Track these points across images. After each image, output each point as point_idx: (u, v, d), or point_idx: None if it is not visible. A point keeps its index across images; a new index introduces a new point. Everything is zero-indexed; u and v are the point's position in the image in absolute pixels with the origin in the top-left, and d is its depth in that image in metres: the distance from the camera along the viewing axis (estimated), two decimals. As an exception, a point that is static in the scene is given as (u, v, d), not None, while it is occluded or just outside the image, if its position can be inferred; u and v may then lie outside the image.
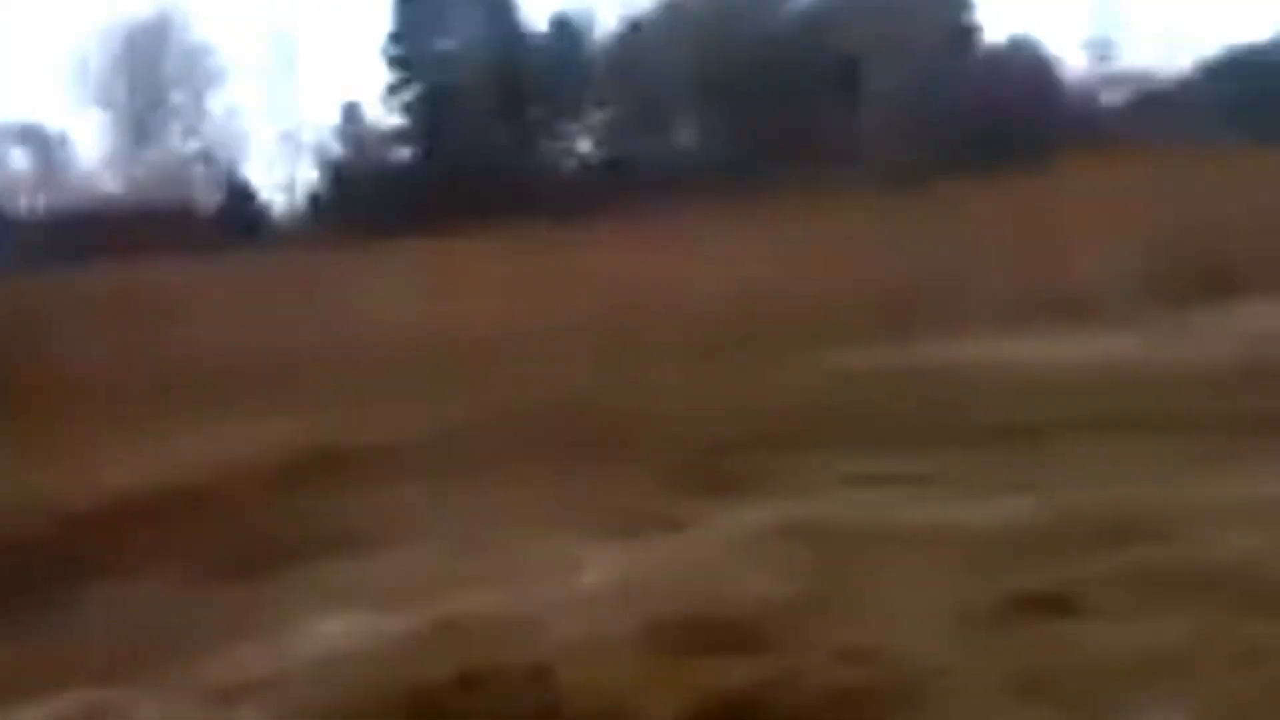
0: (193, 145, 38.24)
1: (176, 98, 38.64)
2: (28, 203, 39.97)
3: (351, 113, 41.11)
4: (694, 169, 39.39)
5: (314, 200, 40.73)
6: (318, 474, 11.28)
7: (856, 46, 42.69)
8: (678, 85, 40.85)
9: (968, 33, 45.74)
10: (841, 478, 9.86)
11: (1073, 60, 48.21)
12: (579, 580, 7.48)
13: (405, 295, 23.15)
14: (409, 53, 41.00)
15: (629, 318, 19.37)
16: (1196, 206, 19.81)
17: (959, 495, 8.96)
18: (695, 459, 10.75)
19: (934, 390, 13.00)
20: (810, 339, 16.26)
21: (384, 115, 41.04)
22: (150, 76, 38.74)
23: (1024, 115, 43.32)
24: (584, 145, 42.16)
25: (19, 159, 40.32)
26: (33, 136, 39.88)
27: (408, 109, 40.63)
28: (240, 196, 38.80)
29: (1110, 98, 45.74)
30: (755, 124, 39.84)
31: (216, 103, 39.15)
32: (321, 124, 41.88)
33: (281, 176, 40.34)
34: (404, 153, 40.16)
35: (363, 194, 37.65)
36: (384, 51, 41.06)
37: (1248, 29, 64.41)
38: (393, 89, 40.78)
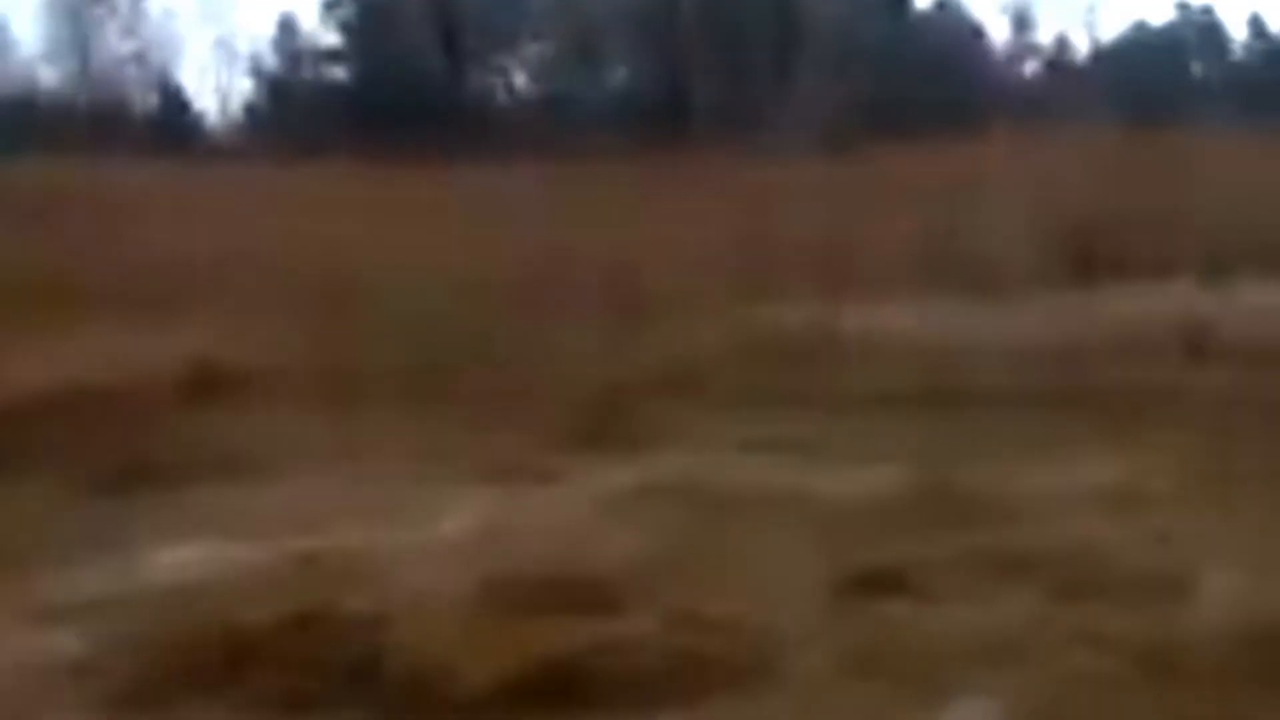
0: (128, 45, 37.50)
1: (113, -6, 37.82)
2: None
3: (287, 25, 40.46)
4: (626, 110, 39.15)
5: (247, 111, 40.16)
6: (210, 392, 11.08)
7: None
8: (614, 24, 40.50)
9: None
10: (727, 439, 9.80)
11: (994, 28, 48.23)
12: (440, 526, 7.39)
13: (328, 217, 22.79)
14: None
15: (545, 263, 19.11)
16: (1095, 185, 19.82)
17: (833, 463, 8.93)
18: (586, 413, 10.59)
19: (832, 354, 12.91)
20: (722, 297, 16.11)
21: (320, 31, 40.44)
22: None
23: (951, 81, 43.38)
24: (518, 79, 41.75)
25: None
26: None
27: (344, 27, 40.03)
28: (174, 101, 38.17)
29: (1028, 68, 45.90)
30: (690, 68, 39.58)
31: (154, 3, 38.39)
32: (257, 34, 41.30)
33: (214, 84, 39.74)
34: (338, 71, 39.59)
35: (296, 109, 37.15)
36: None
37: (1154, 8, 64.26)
38: (329, 5, 40.19)
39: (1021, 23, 47.87)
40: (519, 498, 8.06)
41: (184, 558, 6.77)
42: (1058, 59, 47.82)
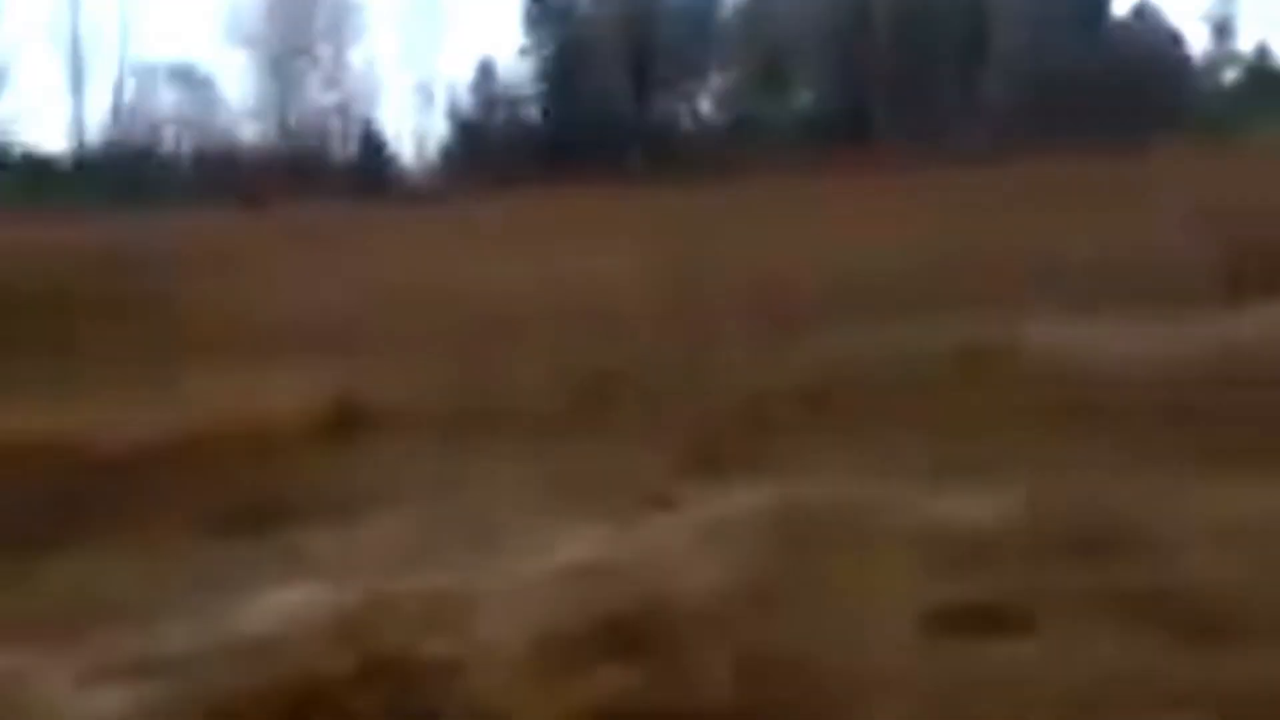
0: (330, 97, 38.22)
1: (320, 49, 38.60)
2: (175, 143, 40.21)
3: (486, 69, 40.77)
4: (815, 132, 38.64)
5: (443, 153, 40.58)
6: (347, 431, 10.93)
7: (986, 8, 41.52)
8: (800, 47, 40.03)
9: (1098, 2, 44.30)
10: (856, 461, 9.32)
11: (1192, 35, 46.49)
12: (538, 564, 7.05)
13: (509, 252, 22.80)
14: (544, 12, 40.60)
15: (709, 283, 18.77)
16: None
17: (961, 486, 8.37)
18: (719, 437, 10.21)
19: (981, 370, 12.30)
20: (883, 313, 15.56)
21: (517, 72, 40.70)
22: (299, 26, 38.74)
23: (1148, 90, 41.95)
24: (704, 105, 41.47)
25: (168, 98, 40.46)
26: (182, 76, 40.00)
27: (540, 67, 40.24)
28: (373, 146, 38.74)
29: (1226, 77, 44.15)
30: (876, 87, 38.95)
31: (356, 55, 39.11)
32: (455, 79, 41.70)
33: (413, 127, 40.24)
34: (534, 110, 39.81)
35: (490, 148, 37.42)
36: (521, 9, 40.71)
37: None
38: (527, 47, 40.44)
39: (1221, 31, 46.13)
40: (626, 529, 7.70)
41: (277, 604, 6.54)
42: (1258, 67, 45.98)
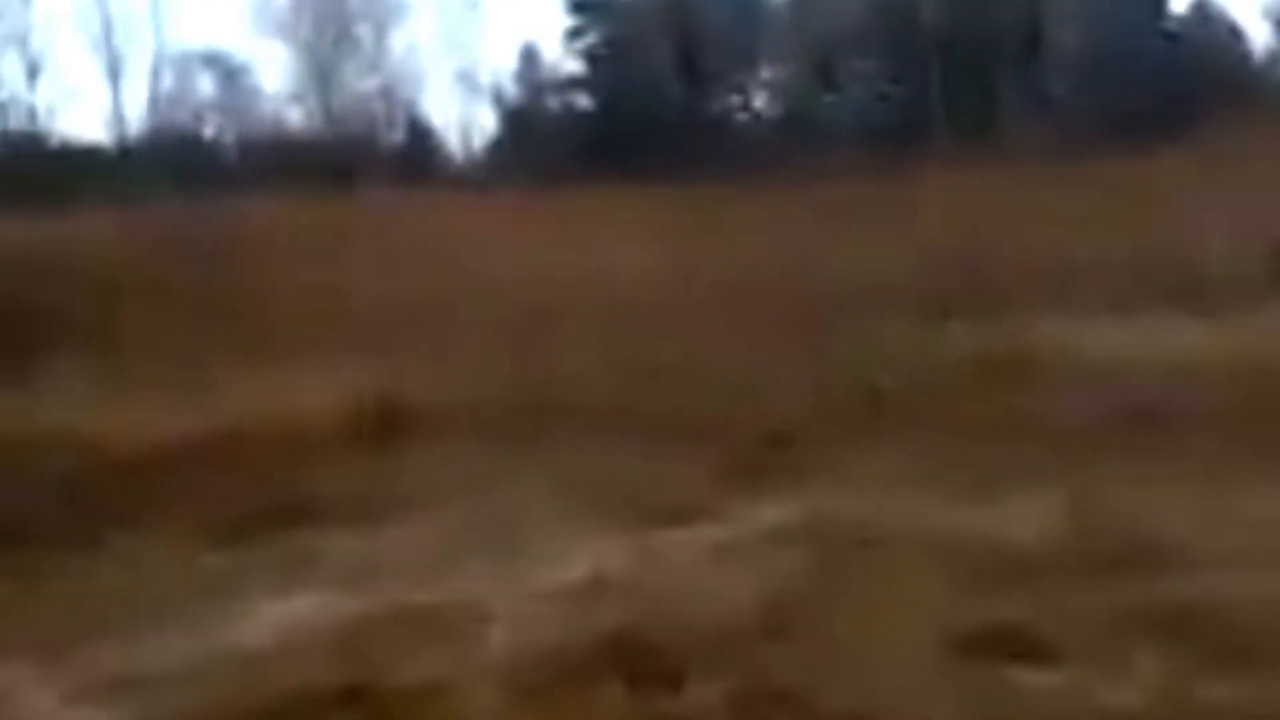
0: (372, 82, 37.96)
1: (359, 33, 38.27)
2: (213, 130, 40.15)
3: (530, 55, 40.50)
4: (869, 128, 38.21)
5: (490, 142, 40.38)
6: (379, 432, 10.78)
7: (1040, 3, 40.93)
8: (854, 41, 39.62)
9: (1156, -1, 43.61)
10: (892, 472, 9.10)
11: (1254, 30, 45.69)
12: (552, 577, 6.88)
13: (557, 245, 22.60)
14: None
15: (754, 284, 18.54)
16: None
17: (994, 499, 8.15)
18: (754, 446, 10.00)
19: (1023, 376, 12.04)
20: (927, 314, 15.34)
21: (561, 60, 40.40)
22: (335, 11, 38.49)
23: (1209, 85, 41.31)
24: (757, 100, 41.09)
25: (205, 85, 40.37)
26: (217, 63, 39.91)
27: (586, 55, 39.91)
28: (418, 134, 38.56)
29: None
30: (931, 83, 38.45)
31: (397, 40, 38.73)
32: (498, 66, 41.41)
33: (456, 116, 39.99)
34: (580, 99, 39.50)
35: (537, 137, 37.20)
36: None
37: None
38: (572, 34, 40.09)
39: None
40: (648, 542, 7.51)
41: (276, 616, 6.40)
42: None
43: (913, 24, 39.13)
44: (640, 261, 19.70)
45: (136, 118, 38.34)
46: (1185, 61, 42.66)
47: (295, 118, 38.50)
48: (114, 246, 23.61)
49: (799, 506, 8.07)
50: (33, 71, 37.67)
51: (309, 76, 37.41)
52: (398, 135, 38.59)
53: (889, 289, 17.23)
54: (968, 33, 39.40)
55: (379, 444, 10.55)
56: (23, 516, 8.56)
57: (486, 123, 40.50)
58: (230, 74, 39.28)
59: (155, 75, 37.98)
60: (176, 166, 34.56)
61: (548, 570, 6.97)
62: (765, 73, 41.04)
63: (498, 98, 39.70)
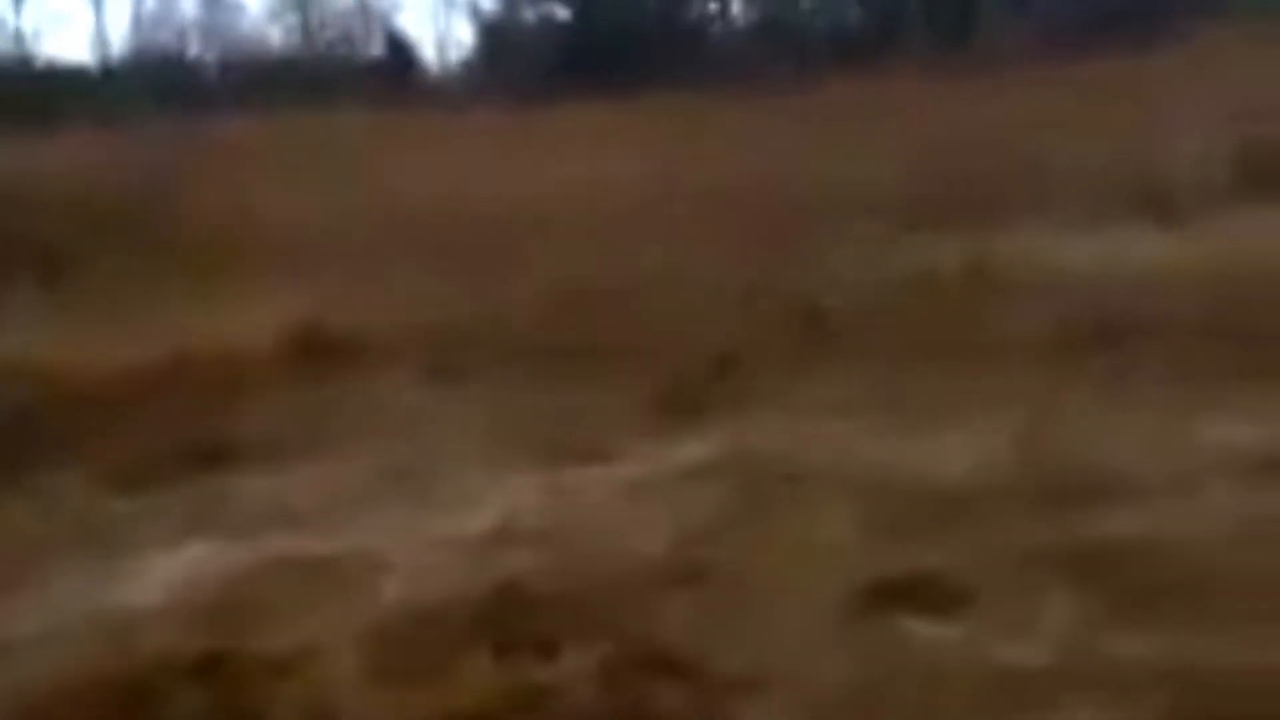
0: (350, -1, 37.24)
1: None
2: (196, 50, 39.40)
3: (506, -32, 39.55)
4: (845, 34, 37.50)
5: (467, 57, 39.60)
6: (307, 362, 10.33)
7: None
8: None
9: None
10: (832, 398, 8.66)
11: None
12: (461, 523, 6.48)
13: (526, 164, 22.04)
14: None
15: (729, 197, 17.97)
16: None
17: (935, 429, 7.75)
18: (691, 372, 9.52)
19: (979, 293, 11.57)
20: (886, 228, 14.80)
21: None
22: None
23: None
24: (735, 7, 40.27)
25: (188, 5, 39.69)
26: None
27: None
28: (396, 51, 37.79)
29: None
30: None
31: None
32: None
33: (433, 30, 39.18)
34: (557, 9, 38.70)
35: (515, 51, 36.45)
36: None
37: None
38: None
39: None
40: (563, 482, 7.10)
41: (154, 573, 6.01)
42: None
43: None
44: (606, 178, 19.13)
45: (120, 39, 37.67)
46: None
47: (275, 36, 37.82)
48: (85, 170, 23.12)
49: (728, 440, 7.67)
50: (18, -5, 37.06)
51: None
52: (375, 51, 37.86)
53: (852, 200, 16.68)
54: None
55: (314, 376, 10.10)
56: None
57: (464, 37, 39.75)
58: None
59: (138, -1, 37.29)
60: (159, 87, 33.90)
61: (455, 515, 6.60)
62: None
63: (474, 10, 38.94)
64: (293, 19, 36.79)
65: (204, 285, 13.76)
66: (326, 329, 11.05)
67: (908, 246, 13.90)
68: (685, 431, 7.97)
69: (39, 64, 37.25)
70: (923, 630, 4.88)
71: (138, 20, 37.20)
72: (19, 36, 37.99)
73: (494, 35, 37.82)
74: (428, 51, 39.52)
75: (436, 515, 6.61)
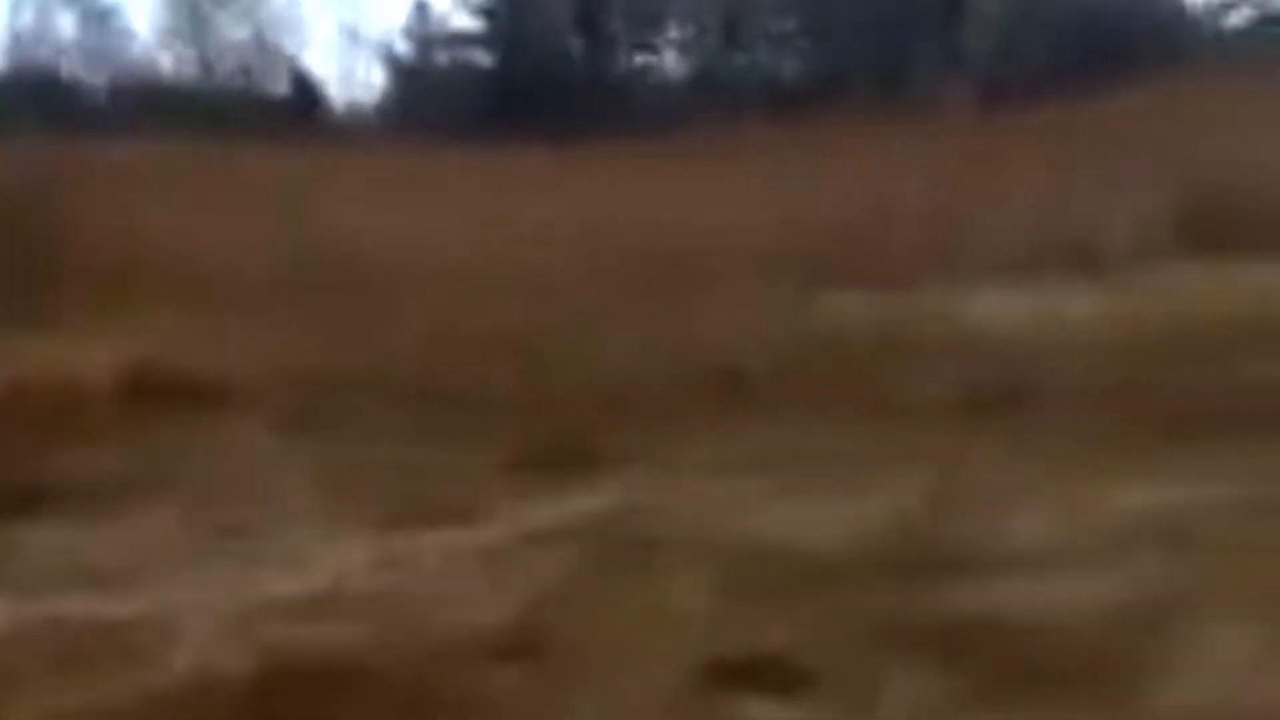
0: (248, 31, 36.79)
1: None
2: (77, 70, 38.83)
3: (422, 8, 39.40)
4: (779, 88, 37.53)
5: (380, 99, 39.32)
6: (149, 404, 9.84)
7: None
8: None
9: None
10: (714, 457, 8.37)
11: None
12: (277, 588, 6.03)
13: (430, 207, 21.68)
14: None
15: (644, 248, 17.65)
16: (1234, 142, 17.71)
17: (815, 493, 7.40)
18: (579, 425, 9.14)
19: (893, 349, 11.29)
20: (799, 281, 14.54)
21: (454, 14, 39.31)
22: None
23: (1140, 43, 40.93)
24: (668, 60, 40.24)
25: (67, 26, 39.20)
26: (80, 2, 38.69)
27: (481, 10, 38.87)
28: (304, 90, 37.46)
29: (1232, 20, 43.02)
30: (848, 43, 37.79)
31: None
32: (384, 20, 40.38)
33: (340, 71, 38.92)
34: (476, 56, 38.52)
35: (433, 96, 36.23)
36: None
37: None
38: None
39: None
40: (405, 544, 6.67)
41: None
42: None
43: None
44: (514, 226, 18.81)
45: (-1, 54, 37.17)
46: (1113, 18, 42.25)
47: (167, 63, 37.38)
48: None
49: (598, 500, 7.29)
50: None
51: (182, 21, 36.22)
52: (279, 87, 37.49)
53: (766, 254, 16.43)
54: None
55: (153, 417, 9.62)
56: None
57: (374, 78, 39.47)
58: (100, 15, 38.02)
59: (13, 12, 36.83)
60: (40, 106, 33.35)
61: (276, 578, 6.14)
62: (674, 32, 40.17)
63: (388, 53, 38.66)
64: (185, 47, 36.31)
65: (58, 312, 13.28)
66: (177, 367, 10.58)
67: (821, 303, 13.67)
68: (554, 490, 7.58)
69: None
70: (762, 712, 4.51)
71: (15, 36, 36.71)
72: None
73: (409, 78, 37.59)
74: (334, 91, 39.20)
75: (254, 578, 6.16)
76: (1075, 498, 7.27)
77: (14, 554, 6.70)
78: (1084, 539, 6.59)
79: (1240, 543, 6.36)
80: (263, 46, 36.89)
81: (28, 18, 37.75)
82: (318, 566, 6.29)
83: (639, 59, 39.43)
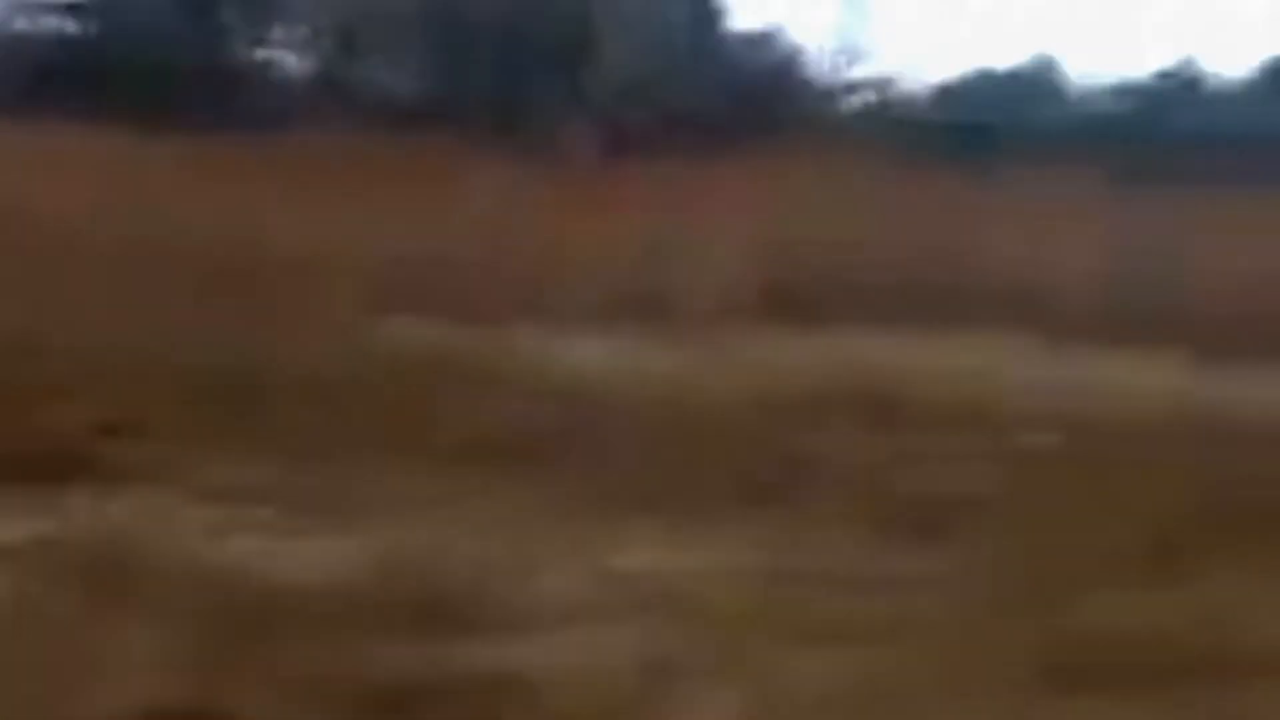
0: None
1: None
2: None
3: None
4: (396, 105, 37.22)
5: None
6: None
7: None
8: (394, 12, 38.57)
9: (715, 13, 44.44)
10: (214, 483, 7.99)
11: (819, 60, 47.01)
12: None
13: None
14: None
15: (208, 254, 16.97)
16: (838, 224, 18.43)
17: (311, 530, 7.10)
18: (76, 436, 8.60)
19: (442, 387, 11.08)
20: (370, 308, 14.22)
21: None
22: None
23: (765, 103, 42.34)
24: (286, 59, 39.38)
25: None
26: None
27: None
28: None
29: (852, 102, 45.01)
30: (470, 69, 37.73)
31: None
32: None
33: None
34: (67, 26, 36.90)
35: (12, 62, 34.50)
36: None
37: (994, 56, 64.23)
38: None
39: (850, 56, 46.98)
40: None
41: None
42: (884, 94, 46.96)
43: (453, 12, 38.38)
44: (36, 208, 17.72)
45: None
46: (740, 86, 43.59)
47: None
48: None
49: (63, 521, 6.80)
50: None
51: None
52: None
53: (351, 274, 16.07)
54: (511, 29, 38.94)
55: None
56: None
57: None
58: None
59: None
60: None
61: None
62: (293, 32, 39.41)
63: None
64: None
65: None
66: None
67: (388, 330, 13.41)
68: (19, 509, 7.05)
69: None
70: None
71: None
72: None
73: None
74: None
75: None
76: (594, 556, 7.19)
77: None
78: (592, 598, 6.49)
79: (746, 611, 6.38)
80: None
81: None
82: None
83: (260, 53, 38.55)
